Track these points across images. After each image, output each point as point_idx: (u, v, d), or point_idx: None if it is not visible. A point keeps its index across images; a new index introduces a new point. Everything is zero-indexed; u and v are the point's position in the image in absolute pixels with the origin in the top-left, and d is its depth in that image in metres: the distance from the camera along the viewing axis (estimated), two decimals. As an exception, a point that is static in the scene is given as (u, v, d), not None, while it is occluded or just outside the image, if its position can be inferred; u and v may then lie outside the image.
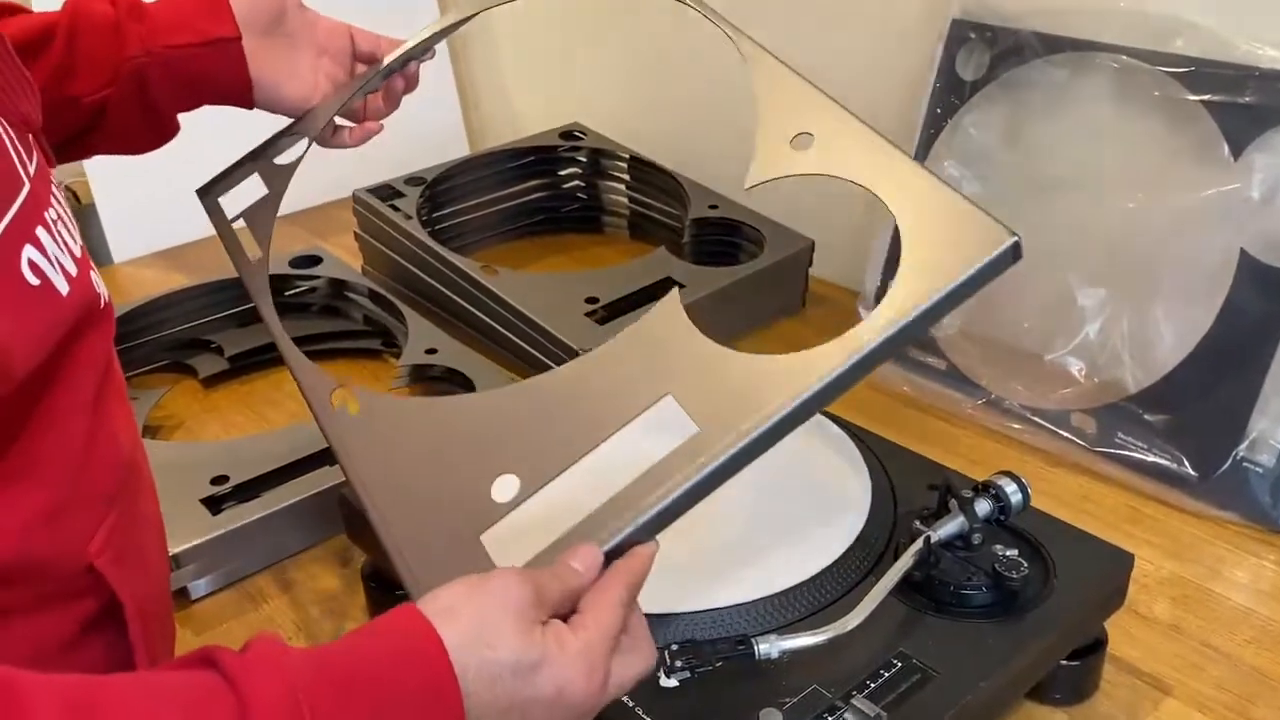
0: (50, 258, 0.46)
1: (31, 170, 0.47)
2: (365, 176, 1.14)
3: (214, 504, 0.77)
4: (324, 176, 1.29)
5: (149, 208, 1.21)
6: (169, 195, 1.20)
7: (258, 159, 0.75)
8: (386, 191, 1.11)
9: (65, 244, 0.49)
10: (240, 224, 0.73)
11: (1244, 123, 0.78)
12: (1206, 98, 0.79)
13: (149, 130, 0.73)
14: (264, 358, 0.99)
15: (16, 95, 0.48)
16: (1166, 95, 0.82)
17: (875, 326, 0.50)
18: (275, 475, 0.79)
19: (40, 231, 0.46)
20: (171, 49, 0.69)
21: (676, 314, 0.56)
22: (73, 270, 0.48)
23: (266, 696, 0.39)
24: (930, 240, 0.51)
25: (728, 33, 0.65)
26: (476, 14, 0.77)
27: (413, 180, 1.13)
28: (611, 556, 0.49)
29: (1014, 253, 0.50)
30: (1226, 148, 0.79)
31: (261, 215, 0.72)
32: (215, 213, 0.74)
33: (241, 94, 0.72)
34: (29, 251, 0.45)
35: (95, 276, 0.51)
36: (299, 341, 0.98)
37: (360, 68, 0.77)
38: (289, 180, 0.74)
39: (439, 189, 1.15)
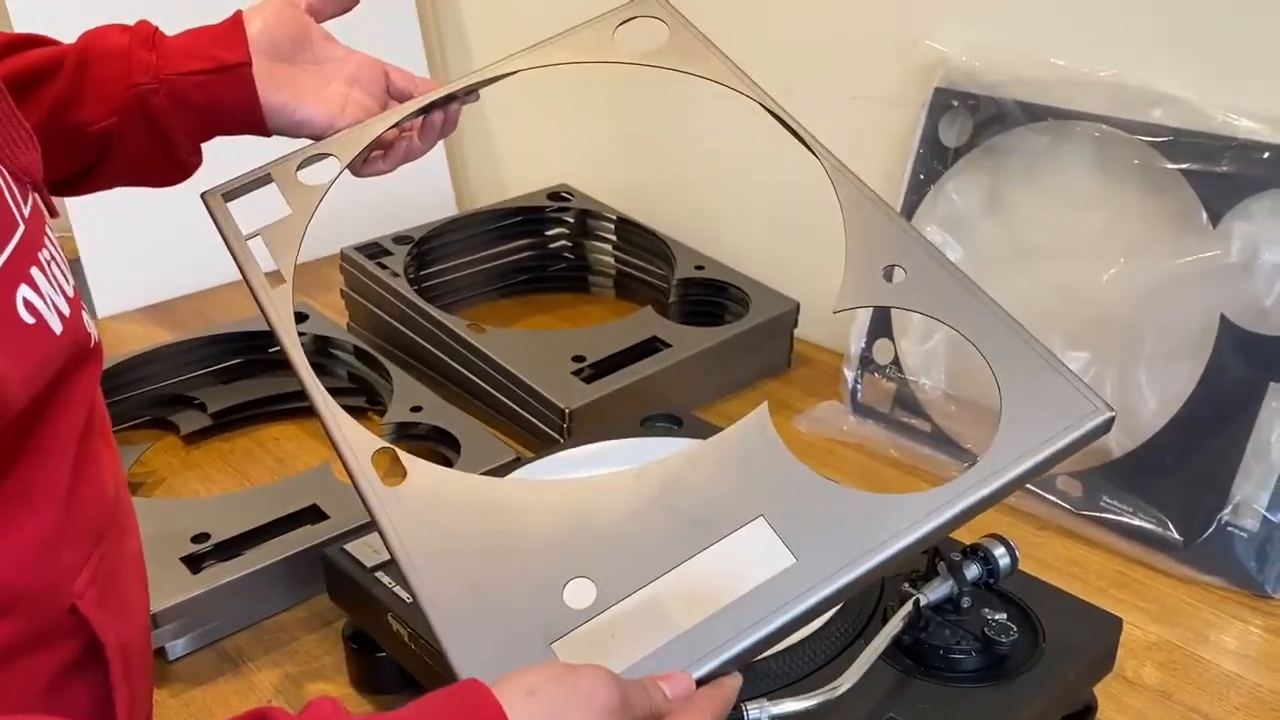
0: (45, 297, 0.47)
1: (26, 212, 0.48)
2: (353, 234, 1.15)
3: (194, 562, 0.76)
4: (311, 233, 1.30)
5: (134, 262, 1.21)
6: (154, 250, 1.21)
7: (278, 165, 0.70)
8: (374, 249, 1.12)
9: (59, 284, 0.49)
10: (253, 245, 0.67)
11: (1222, 191, 0.79)
12: (1185, 166, 0.81)
13: (164, 161, 0.71)
14: (247, 415, 0.99)
15: (15, 147, 0.49)
16: (1146, 164, 0.84)
17: (976, 485, 0.51)
18: (257, 534, 0.78)
19: (35, 271, 0.47)
20: (179, 76, 0.68)
21: (767, 431, 0.55)
22: (65, 310, 0.49)
23: None
24: (1030, 405, 0.53)
25: (826, 168, 0.68)
26: (528, 69, 0.74)
27: (401, 239, 1.13)
28: (698, 682, 0.47)
29: (1106, 427, 0.52)
30: (1205, 215, 0.80)
31: (285, 237, 0.66)
32: (222, 217, 0.68)
33: (252, 119, 0.70)
34: (24, 290, 0.45)
35: (86, 317, 0.52)
36: (281, 399, 0.99)
37: (393, 104, 0.75)
38: (318, 202, 0.69)
39: (427, 247, 1.15)
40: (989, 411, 0.92)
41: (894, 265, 0.60)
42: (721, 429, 0.81)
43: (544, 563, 0.50)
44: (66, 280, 0.51)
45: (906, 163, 0.96)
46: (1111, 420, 0.52)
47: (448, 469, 0.57)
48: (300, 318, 1.04)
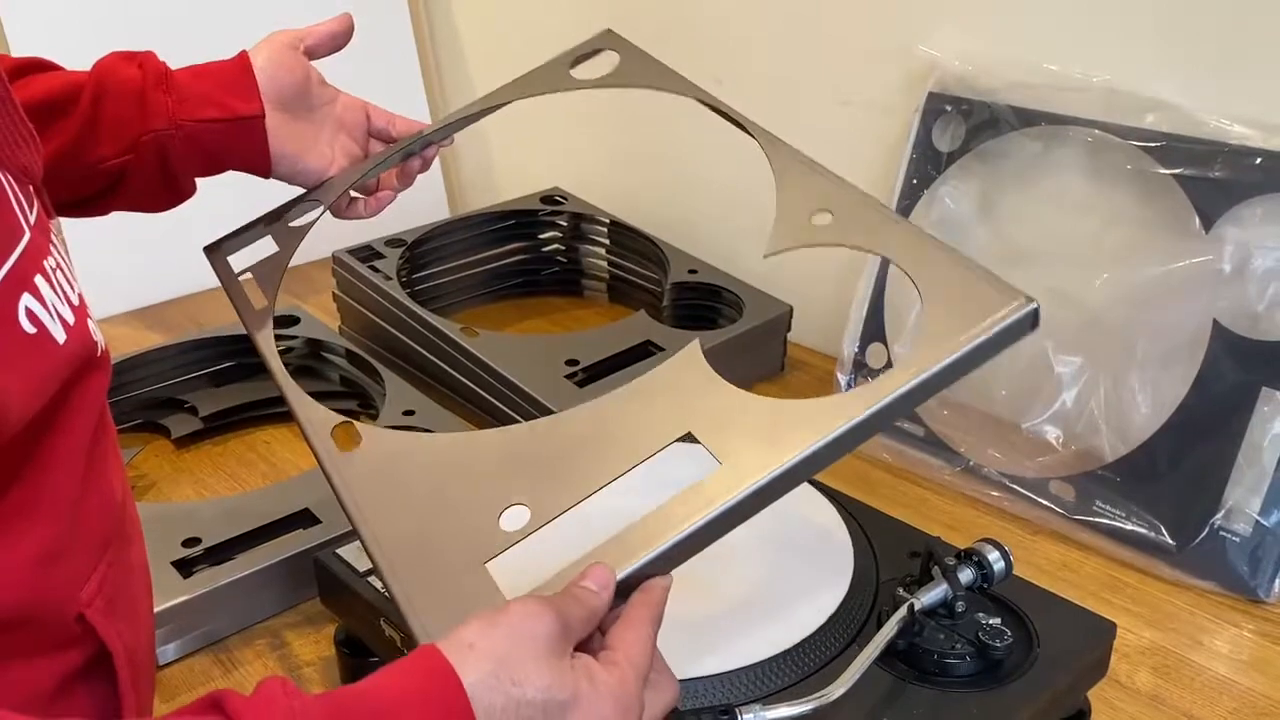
0: (48, 306, 0.46)
1: (32, 219, 0.48)
2: (345, 238, 1.14)
3: (185, 566, 0.75)
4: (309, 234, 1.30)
5: (124, 266, 1.21)
6: (144, 254, 1.21)
7: (272, 223, 0.77)
8: (366, 253, 1.12)
9: (64, 293, 0.49)
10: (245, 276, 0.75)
11: (1214, 196, 0.80)
12: (1177, 172, 0.81)
13: (166, 194, 0.74)
14: (238, 418, 0.98)
15: (17, 147, 0.48)
16: (1139, 169, 0.84)
17: (896, 381, 0.51)
18: (248, 538, 0.78)
19: (39, 280, 0.46)
20: (196, 123, 0.71)
21: (698, 363, 0.56)
22: (70, 319, 0.48)
23: None
24: (949, 305, 0.52)
25: (760, 142, 0.69)
26: (505, 104, 0.79)
27: (393, 242, 1.13)
28: (623, 589, 0.48)
29: (1032, 319, 0.51)
30: (1197, 220, 0.80)
31: (269, 270, 0.75)
32: (223, 269, 0.76)
33: (261, 167, 0.74)
34: (27, 300, 0.45)
35: (93, 325, 0.51)
36: (273, 402, 0.99)
37: (374, 144, 0.79)
38: (300, 241, 0.76)
39: (419, 251, 1.15)
40: (984, 416, 0.92)
41: (821, 209, 0.62)
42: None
43: (482, 495, 0.53)
44: (72, 287, 0.50)
45: (900, 167, 0.97)
46: (1035, 312, 0.51)
47: (401, 432, 0.60)
48: (292, 321, 1.04)
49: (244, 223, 0.79)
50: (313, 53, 0.76)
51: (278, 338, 1.01)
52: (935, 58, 0.95)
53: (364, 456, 0.58)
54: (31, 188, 0.49)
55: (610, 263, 1.21)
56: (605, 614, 0.48)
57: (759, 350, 1.05)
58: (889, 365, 0.96)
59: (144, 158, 0.71)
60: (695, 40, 1.17)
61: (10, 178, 0.47)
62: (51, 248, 0.49)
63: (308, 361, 1.03)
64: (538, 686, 0.42)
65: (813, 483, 0.73)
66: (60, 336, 0.47)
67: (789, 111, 1.11)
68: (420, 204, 1.33)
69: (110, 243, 1.20)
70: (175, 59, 0.80)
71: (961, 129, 0.93)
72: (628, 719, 0.44)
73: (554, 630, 0.44)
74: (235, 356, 1.02)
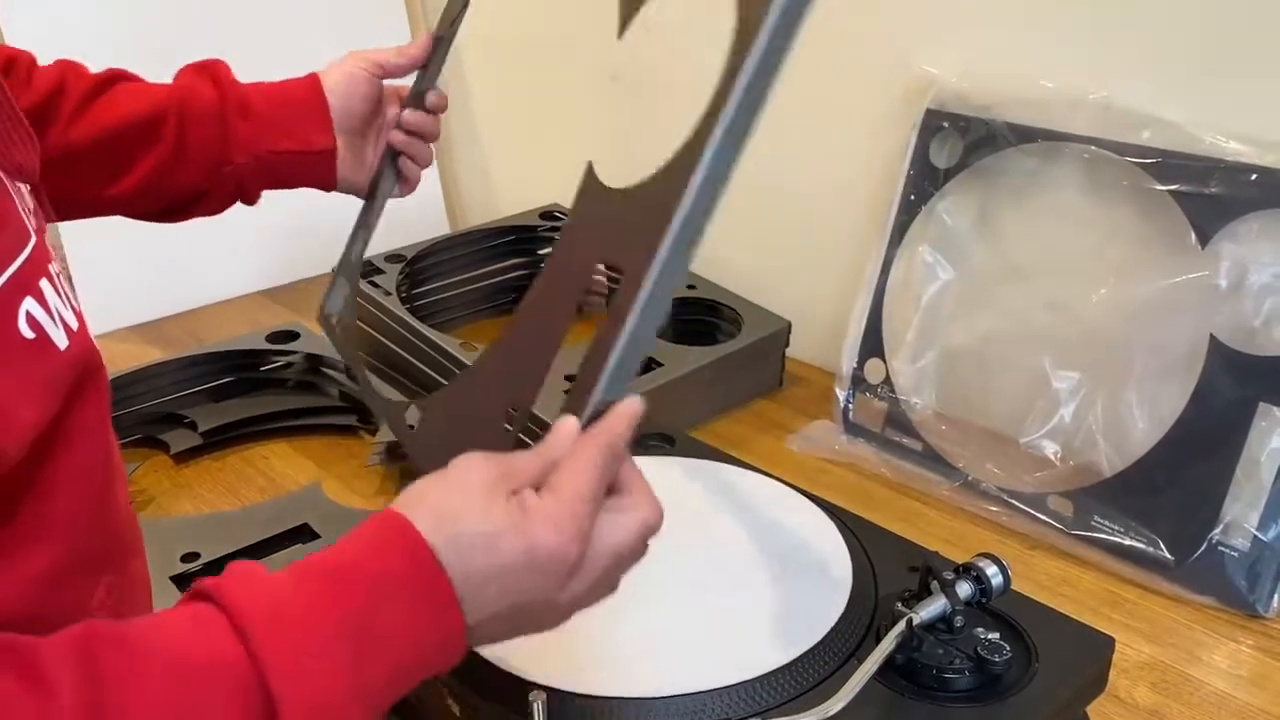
0: (51, 311, 0.46)
1: (35, 223, 0.48)
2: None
3: (184, 581, 0.75)
4: (304, 253, 1.31)
5: (125, 280, 1.21)
6: (145, 268, 1.21)
7: (343, 269, 0.86)
8: (366, 268, 1.12)
9: (67, 298, 0.49)
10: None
11: (1210, 213, 0.80)
12: (1174, 188, 0.82)
13: (232, 203, 0.80)
14: (237, 434, 0.99)
15: (13, 147, 0.48)
16: (1135, 185, 0.84)
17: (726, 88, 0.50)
18: (247, 553, 0.78)
19: (44, 284, 0.46)
20: (273, 154, 0.77)
21: (595, 187, 0.59)
22: (74, 324, 0.48)
23: (250, 603, 0.40)
24: None
25: None
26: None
27: (393, 257, 1.13)
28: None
29: None
30: (1194, 236, 0.81)
31: (348, 314, 0.86)
32: (327, 324, 0.86)
33: (325, 188, 0.81)
34: (28, 304, 0.45)
35: (92, 333, 0.51)
36: (274, 417, 0.99)
37: (391, 111, 0.83)
38: (359, 270, 0.87)
39: (419, 266, 1.15)
40: (982, 431, 0.93)
41: None
42: (714, 449, 0.82)
43: (491, 405, 0.58)
44: (73, 293, 0.50)
45: (898, 183, 0.97)
46: None
47: (442, 390, 0.70)
48: (291, 336, 1.05)
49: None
50: (389, 73, 0.80)
51: (276, 353, 1.03)
52: (933, 75, 0.96)
53: (425, 424, 0.65)
54: (28, 189, 0.49)
55: (610, 278, 1.21)
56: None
57: (758, 365, 1.06)
58: (886, 382, 0.97)
59: (223, 183, 0.77)
60: (692, 52, 1.17)
61: (12, 180, 0.47)
62: (52, 252, 0.49)
63: (307, 377, 1.03)
64: (470, 521, 0.44)
65: (811, 498, 0.74)
66: (62, 342, 0.47)
67: (788, 126, 1.11)
68: (420, 220, 1.34)
69: (110, 258, 1.20)
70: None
71: (959, 145, 0.94)
72: (562, 534, 0.45)
73: (490, 475, 0.46)
74: (234, 372, 1.03)
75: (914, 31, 0.98)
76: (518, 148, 1.44)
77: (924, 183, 0.96)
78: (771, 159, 1.15)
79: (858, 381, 0.98)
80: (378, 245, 1.15)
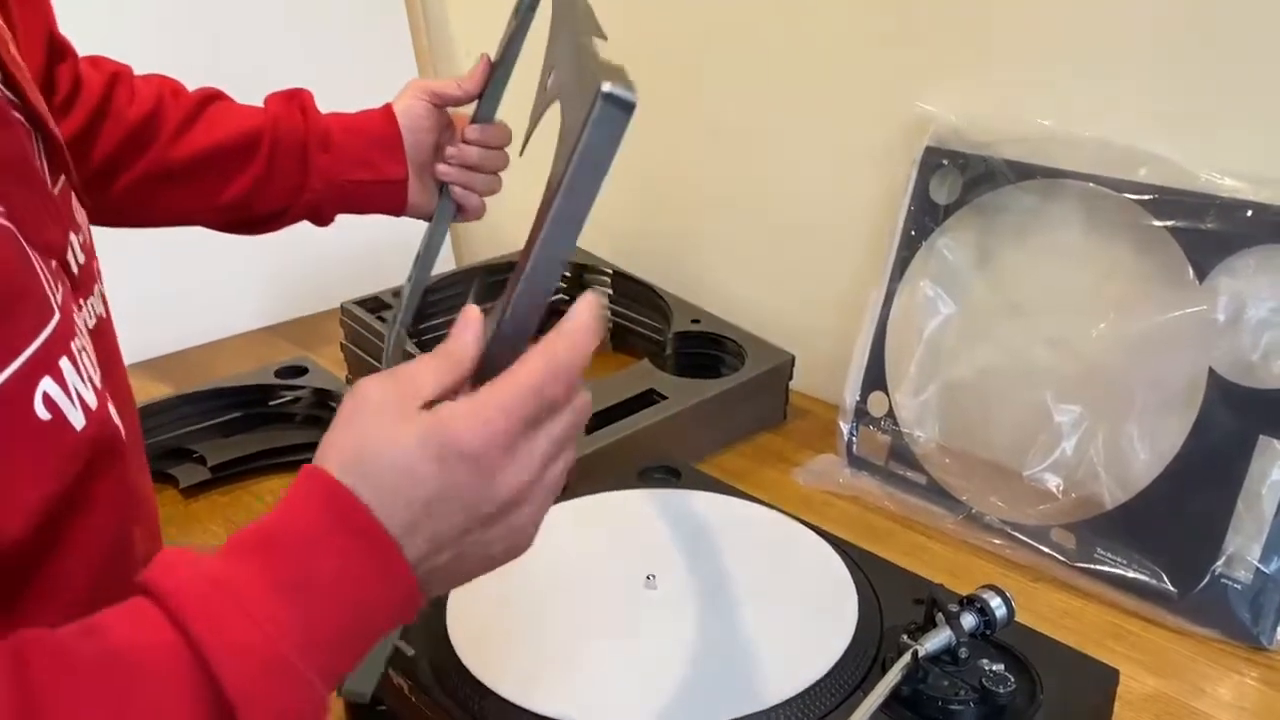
0: (70, 390, 0.45)
1: (59, 299, 0.47)
2: (352, 288, 1.16)
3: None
4: (311, 288, 1.32)
5: (134, 316, 1.21)
6: (154, 304, 1.22)
7: (395, 321, 0.89)
8: (374, 303, 1.13)
9: (88, 375, 0.48)
10: None
11: (1207, 248, 0.81)
12: (1171, 224, 0.83)
13: (295, 221, 0.84)
14: (246, 468, 0.99)
15: (45, 228, 0.48)
16: (1133, 221, 0.85)
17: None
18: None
19: (64, 362, 0.45)
20: (349, 183, 0.81)
21: None
22: (93, 403, 0.47)
23: (180, 586, 0.39)
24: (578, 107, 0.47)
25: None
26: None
27: (399, 291, 1.14)
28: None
29: (614, 102, 0.43)
30: (1191, 271, 0.82)
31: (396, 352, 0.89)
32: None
33: (394, 213, 0.85)
34: (46, 384, 0.44)
35: (113, 410, 0.50)
36: (282, 451, 1.00)
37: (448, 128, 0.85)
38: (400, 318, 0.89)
39: (426, 301, 1.16)
40: (985, 464, 0.93)
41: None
42: (719, 482, 0.82)
43: None
44: (95, 371, 0.49)
45: (899, 219, 0.98)
46: (610, 95, 0.43)
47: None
48: (299, 371, 1.05)
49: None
50: (447, 102, 0.83)
51: (284, 388, 1.04)
52: (932, 113, 0.97)
53: None
54: (56, 264, 0.49)
55: (614, 312, 1.22)
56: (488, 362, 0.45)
57: (761, 399, 1.06)
58: (889, 415, 0.97)
59: (300, 208, 0.82)
60: (695, 91, 1.19)
61: (40, 257, 0.47)
62: (78, 328, 0.49)
63: (315, 411, 1.04)
64: (375, 450, 0.42)
65: (816, 531, 0.74)
66: (79, 422, 0.45)
67: (790, 163, 1.13)
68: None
69: (121, 293, 1.21)
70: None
71: (958, 182, 0.95)
72: (487, 426, 0.42)
73: (393, 393, 0.43)
74: (243, 407, 1.03)
75: (913, 71, 0.99)
76: (525, 183, 1.46)
77: (924, 219, 0.97)
78: (775, 195, 1.17)
79: (861, 414, 0.99)
80: (384, 281, 1.17)
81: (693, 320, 1.12)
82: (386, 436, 0.42)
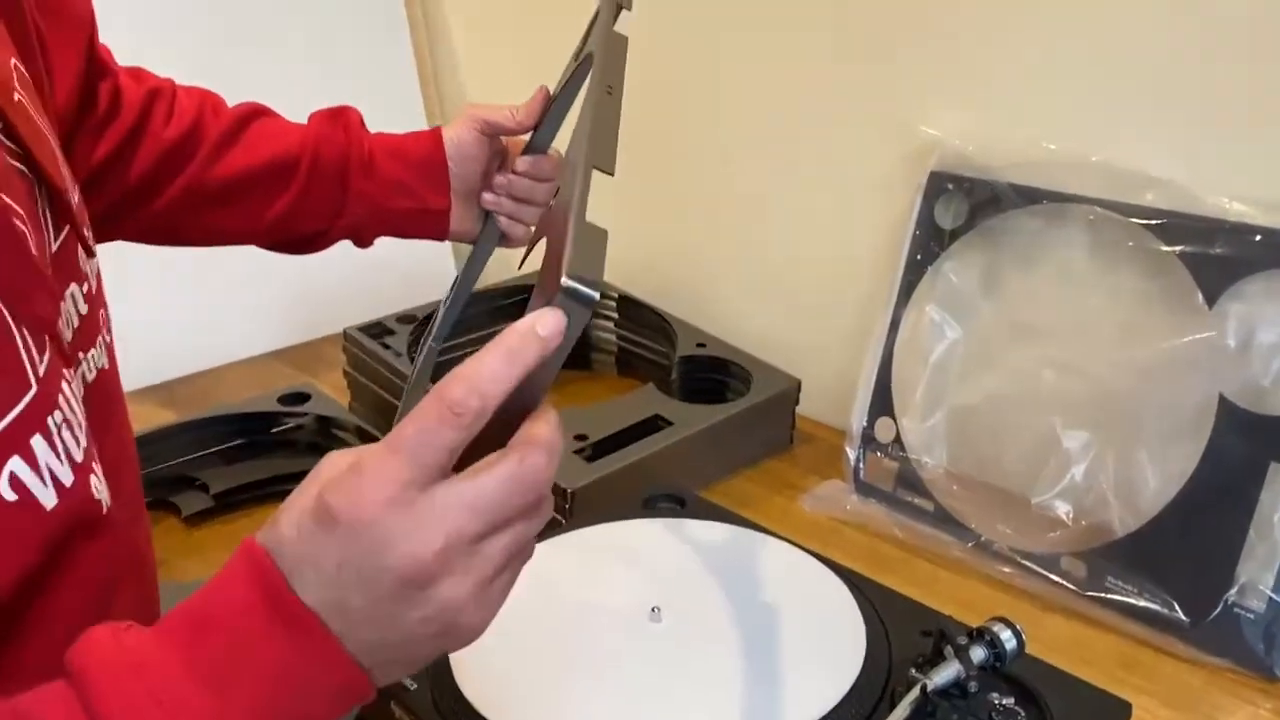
0: (40, 469, 0.45)
1: (42, 370, 0.46)
2: (355, 314, 1.16)
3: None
4: (314, 313, 1.32)
5: (136, 341, 1.21)
6: (156, 329, 1.22)
7: (427, 339, 0.87)
8: (377, 329, 1.13)
9: (66, 451, 0.47)
10: None
11: (1216, 273, 0.81)
12: (1179, 249, 0.83)
13: (335, 242, 0.84)
14: (248, 496, 0.99)
15: (32, 297, 0.48)
16: (1141, 246, 0.85)
17: None
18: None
19: (36, 440, 0.45)
20: (390, 210, 0.81)
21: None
22: (68, 479, 0.46)
23: (100, 664, 0.39)
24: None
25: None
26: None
27: (404, 318, 1.14)
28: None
29: (574, 297, 0.41)
30: (1200, 296, 0.81)
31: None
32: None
33: (438, 239, 0.85)
34: (14, 464, 0.44)
35: (97, 482, 0.50)
36: (285, 479, 0.99)
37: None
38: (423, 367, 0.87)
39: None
40: (993, 491, 0.93)
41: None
42: (725, 510, 0.82)
43: None
44: (78, 443, 0.48)
45: (904, 244, 0.98)
46: (572, 290, 0.41)
47: None
48: (302, 398, 1.05)
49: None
50: (496, 131, 0.81)
51: (287, 415, 1.04)
52: (936, 137, 0.97)
53: None
54: (46, 337, 0.48)
55: (619, 336, 1.22)
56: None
57: (767, 423, 1.06)
58: (897, 441, 0.97)
59: (339, 229, 0.82)
60: (701, 115, 1.19)
61: (23, 329, 0.46)
62: (61, 399, 0.48)
63: (318, 439, 1.04)
64: (293, 500, 0.42)
65: (823, 561, 0.74)
66: (49, 501, 0.45)
67: (795, 188, 1.13)
68: (431, 280, 1.36)
69: (123, 318, 1.20)
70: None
71: (964, 206, 0.95)
72: (389, 523, 0.40)
73: (335, 469, 0.42)
74: (246, 434, 1.03)
75: (917, 95, 0.99)
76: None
77: (930, 243, 0.96)
78: (781, 219, 1.17)
79: (868, 440, 0.98)
80: (387, 306, 1.17)
81: (698, 344, 1.12)
82: (309, 506, 0.42)
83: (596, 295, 0.41)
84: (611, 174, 0.49)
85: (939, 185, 0.96)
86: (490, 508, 0.41)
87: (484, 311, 1.21)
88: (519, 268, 0.74)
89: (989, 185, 0.93)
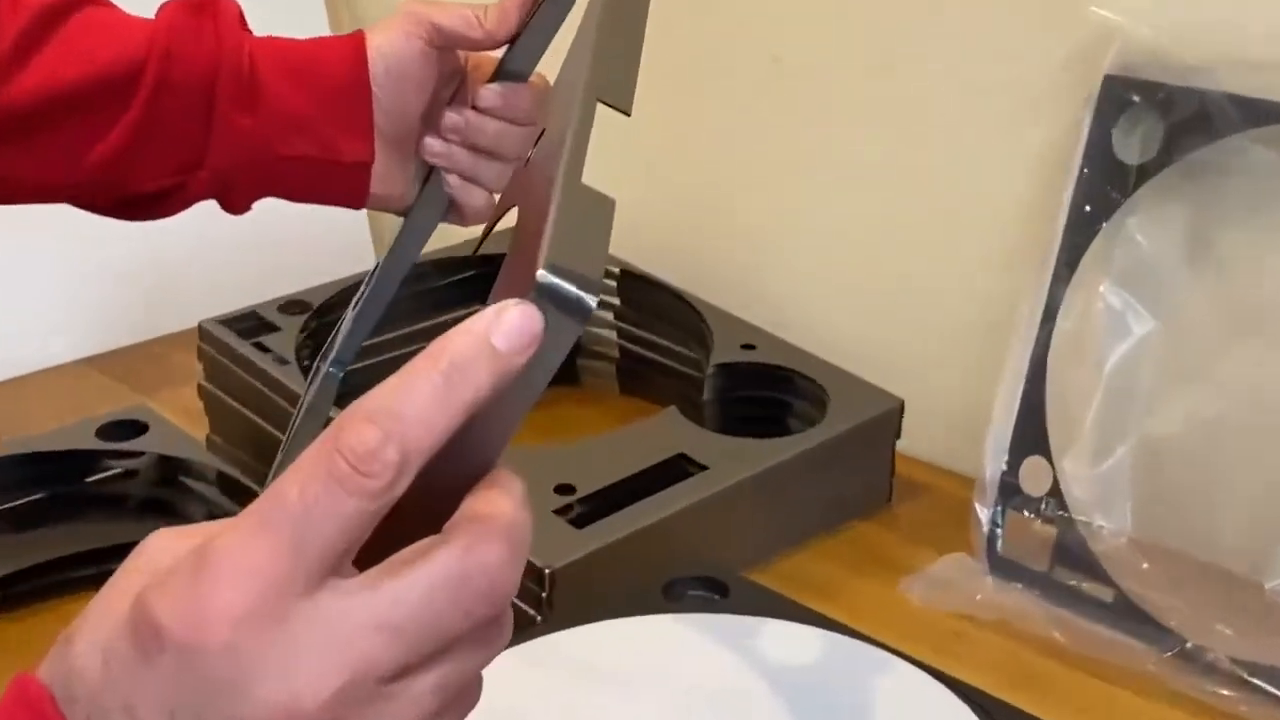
0: None
1: None
2: (218, 299, 1.15)
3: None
4: (152, 301, 1.31)
5: None
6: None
7: (322, 359, 0.89)
8: (250, 322, 1.12)
9: None
10: None
11: None
12: None
13: (189, 205, 0.84)
14: (45, 581, 0.97)
15: None
16: None
17: None
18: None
19: None
20: (279, 161, 0.81)
21: None
22: None
23: None
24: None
25: None
26: None
27: (290, 306, 1.14)
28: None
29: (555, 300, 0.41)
30: None
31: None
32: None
33: (350, 206, 0.86)
34: None
35: None
36: (107, 555, 0.98)
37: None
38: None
39: (328, 320, 1.14)
40: (1204, 570, 0.92)
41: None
42: (785, 600, 0.81)
43: None
44: None
45: (1065, 188, 0.97)
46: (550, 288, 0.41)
47: None
48: (135, 429, 1.05)
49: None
50: (460, 48, 0.82)
51: (111, 455, 1.03)
52: (1115, 23, 0.96)
53: None
54: None
55: (621, 332, 1.22)
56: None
57: (852, 467, 1.06)
58: (1054, 493, 0.96)
59: (197, 187, 0.81)
60: (751, 7, 1.19)
61: None
62: None
63: (158, 492, 1.03)
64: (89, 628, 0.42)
65: (942, 679, 0.74)
66: None
67: (898, 96, 1.12)
68: (333, 247, 1.35)
69: None
70: None
71: (1158, 131, 0.94)
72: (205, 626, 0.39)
73: (121, 611, 0.42)
74: (46, 484, 1.03)
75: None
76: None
77: (1105, 186, 0.96)
78: (869, 159, 1.16)
79: (1010, 493, 0.98)
80: (265, 289, 1.16)
81: (744, 345, 1.11)
82: (103, 612, 0.41)
83: (593, 301, 0.40)
84: (628, 112, 0.50)
85: (1118, 98, 0.96)
86: (416, 628, 0.40)
87: (414, 297, 1.20)
88: (474, 252, 0.73)
89: (1196, 97, 0.92)
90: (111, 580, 0.42)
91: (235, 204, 0.85)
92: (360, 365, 1.16)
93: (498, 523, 0.41)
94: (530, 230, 0.46)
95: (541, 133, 0.58)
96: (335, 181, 0.83)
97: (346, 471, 0.39)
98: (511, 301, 0.39)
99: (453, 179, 0.84)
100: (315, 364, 0.89)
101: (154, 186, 0.81)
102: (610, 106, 0.50)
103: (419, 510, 0.41)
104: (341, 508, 0.39)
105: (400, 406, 0.39)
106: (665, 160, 1.28)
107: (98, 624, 0.41)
